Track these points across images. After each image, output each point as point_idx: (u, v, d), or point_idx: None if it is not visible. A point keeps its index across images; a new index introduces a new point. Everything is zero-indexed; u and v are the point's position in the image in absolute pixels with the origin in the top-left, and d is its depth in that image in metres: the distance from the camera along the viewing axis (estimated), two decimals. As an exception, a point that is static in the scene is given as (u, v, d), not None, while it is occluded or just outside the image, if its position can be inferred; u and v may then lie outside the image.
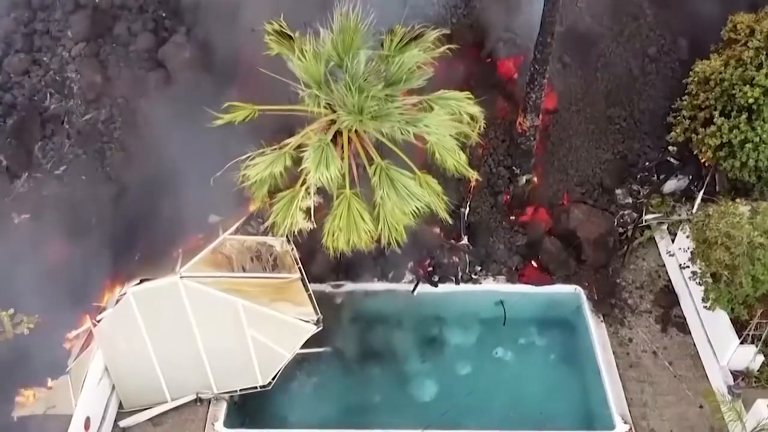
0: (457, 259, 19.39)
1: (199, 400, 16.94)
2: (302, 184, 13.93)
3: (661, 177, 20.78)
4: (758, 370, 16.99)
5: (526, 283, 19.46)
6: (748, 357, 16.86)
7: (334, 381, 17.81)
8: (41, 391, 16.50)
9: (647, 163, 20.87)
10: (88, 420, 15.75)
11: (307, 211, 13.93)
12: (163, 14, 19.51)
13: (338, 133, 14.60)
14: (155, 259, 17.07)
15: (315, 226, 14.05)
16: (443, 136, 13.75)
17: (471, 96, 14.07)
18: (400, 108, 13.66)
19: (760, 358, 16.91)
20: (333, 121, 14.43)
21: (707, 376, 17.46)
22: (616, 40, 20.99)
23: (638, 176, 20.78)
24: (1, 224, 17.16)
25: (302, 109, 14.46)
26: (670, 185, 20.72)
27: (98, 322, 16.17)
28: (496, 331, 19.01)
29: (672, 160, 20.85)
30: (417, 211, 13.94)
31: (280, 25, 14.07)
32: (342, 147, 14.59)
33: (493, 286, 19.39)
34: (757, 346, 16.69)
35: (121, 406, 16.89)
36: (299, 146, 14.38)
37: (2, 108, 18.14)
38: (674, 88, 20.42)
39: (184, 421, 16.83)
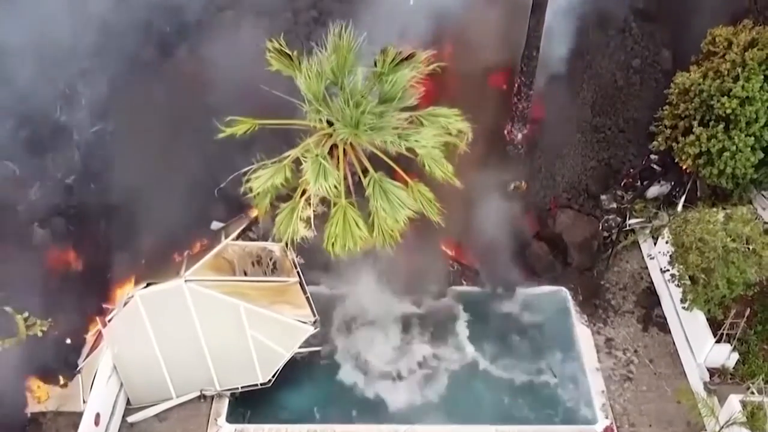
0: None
1: (202, 397, 17.85)
2: (302, 195, 14.79)
3: (645, 183, 21.67)
4: (733, 367, 17.93)
5: (514, 284, 20.38)
6: (723, 355, 17.80)
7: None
8: (53, 388, 17.41)
9: (631, 170, 21.75)
10: (98, 416, 16.66)
11: (308, 221, 14.79)
12: (168, 29, 20.35)
13: (334, 146, 15.46)
14: (161, 263, 17.93)
15: (316, 233, 14.89)
16: (432, 149, 14.60)
17: (458, 113, 14.91)
18: (393, 123, 14.51)
19: (735, 356, 17.84)
20: (329, 134, 15.28)
21: (685, 373, 18.37)
22: (601, 52, 21.85)
23: (622, 182, 21.65)
24: (15, 230, 17.91)
25: (301, 123, 15.33)
26: (653, 191, 21.60)
27: (107, 323, 17.03)
28: (486, 327, 19.93)
29: (655, 166, 21.71)
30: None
31: (280, 44, 14.92)
32: (338, 158, 15.45)
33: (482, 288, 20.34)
34: (731, 345, 17.62)
35: (128, 402, 17.80)
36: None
37: (16, 120, 18.93)
38: (657, 98, 21.23)
39: (189, 416, 17.74)
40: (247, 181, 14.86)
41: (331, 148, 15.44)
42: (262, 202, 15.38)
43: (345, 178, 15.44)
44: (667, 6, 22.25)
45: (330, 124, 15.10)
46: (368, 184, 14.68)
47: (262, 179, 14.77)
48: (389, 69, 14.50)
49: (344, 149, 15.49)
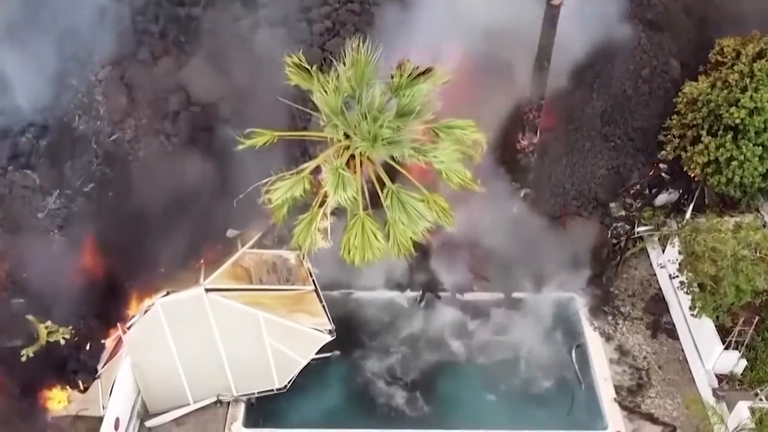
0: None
1: (219, 402, 18.19)
2: (320, 206, 15.05)
3: (653, 191, 21.96)
4: (741, 374, 18.21)
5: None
6: (732, 361, 18.09)
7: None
8: (74, 393, 17.73)
9: (640, 178, 22.01)
10: (117, 420, 17.00)
11: (325, 232, 15.04)
12: (183, 39, 20.62)
13: (351, 157, 15.70)
14: (179, 270, 18.24)
15: (332, 244, 15.14)
16: (450, 162, 14.84)
17: (473, 124, 15.13)
18: (411, 137, 14.74)
19: (743, 363, 18.12)
20: (347, 147, 15.52)
21: (694, 380, 18.66)
22: (611, 61, 22.08)
23: (631, 190, 21.93)
24: (34, 238, 18.23)
25: (319, 135, 15.58)
26: (662, 198, 21.90)
27: (127, 330, 17.34)
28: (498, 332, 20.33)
29: (663, 175, 21.99)
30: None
31: (299, 58, 15.17)
32: (355, 169, 15.69)
33: (494, 294, 20.67)
34: (739, 352, 17.91)
35: (146, 407, 18.05)
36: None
37: (35, 129, 19.24)
38: (666, 107, 21.55)
39: (206, 421, 18.07)
40: (266, 192, 15.11)
41: (348, 160, 15.68)
42: (279, 211, 15.59)
43: (363, 191, 15.68)
44: (675, 16, 22.50)
45: (347, 136, 15.34)
46: (386, 197, 14.89)
47: (281, 191, 15.00)
48: (406, 83, 14.70)
49: (361, 160, 15.72)
